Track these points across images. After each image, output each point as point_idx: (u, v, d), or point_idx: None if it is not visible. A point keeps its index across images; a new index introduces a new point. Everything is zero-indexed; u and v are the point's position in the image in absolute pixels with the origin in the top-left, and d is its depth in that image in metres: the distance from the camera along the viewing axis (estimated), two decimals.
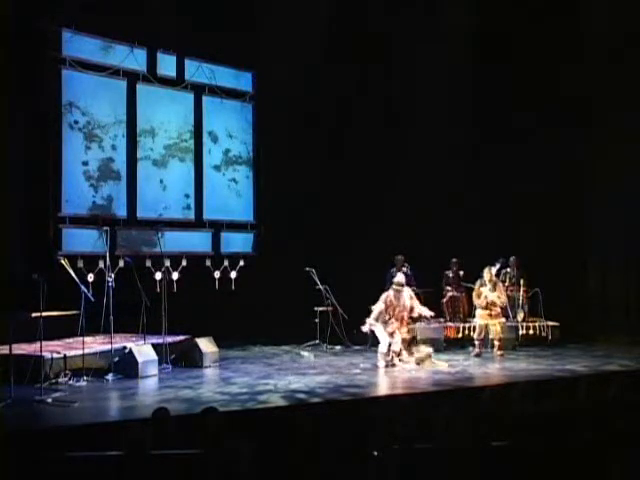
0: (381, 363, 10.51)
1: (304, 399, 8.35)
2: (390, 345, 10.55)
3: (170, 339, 10.78)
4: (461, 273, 13.56)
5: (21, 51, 11.20)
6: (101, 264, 11.49)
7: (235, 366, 10.77)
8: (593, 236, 14.07)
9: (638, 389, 8.08)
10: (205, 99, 13.96)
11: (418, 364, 10.55)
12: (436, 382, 9.44)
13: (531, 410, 6.47)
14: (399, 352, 10.63)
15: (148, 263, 12.46)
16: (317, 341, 12.68)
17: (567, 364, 10.72)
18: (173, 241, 13.09)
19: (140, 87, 13.03)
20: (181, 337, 11.15)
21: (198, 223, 13.81)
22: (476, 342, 11.69)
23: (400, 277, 11.02)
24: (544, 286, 12.90)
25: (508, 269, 13.15)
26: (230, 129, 14.37)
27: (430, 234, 13.85)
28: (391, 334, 10.64)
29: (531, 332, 12.77)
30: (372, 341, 11.53)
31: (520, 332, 12.70)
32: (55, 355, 9.35)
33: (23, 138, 11.37)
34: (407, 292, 10.91)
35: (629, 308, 13.79)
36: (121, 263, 12.04)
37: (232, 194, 14.36)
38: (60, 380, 9.21)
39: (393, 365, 10.49)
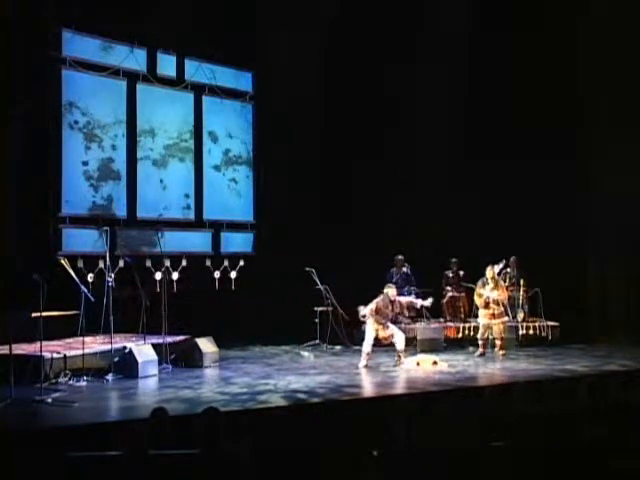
0: (362, 362, 10.53)
1: (304, 399, 8.35)
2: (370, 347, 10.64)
3: (170, 339, 10.78)
4: (461, 273, 13.57)
5: (21, 51, 11.20)
6: (101, 264, 11.49)
7: (235, 366, 10.77)
8: (593, 236, 14.07)
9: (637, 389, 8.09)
10: (205, 99, 13.96)
11: (418, 364, 10.58)
12: (436, 382, 9.45)
13: (531, 410, 6.48)
14: (402, 352, 10.71)
15: (148, 263, 12.47)
16: (317, 341, 12.70)
17: (567, 364, 10.72)
18: (173, 241, 13.09)
19: (140, 87, 13.03)
20: (181, 337, 11.16)
21: (198, 223, 13.81)
22: (480, 342, 11.69)
23: (393, 290, 11.03)
24: (544, 286, 12.90)
25: (508, 269, 13.14)
26: (230, 129, 14.37)
27: (430, 234, 13.85)
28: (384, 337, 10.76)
29: (531, 332, 12.78)
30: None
31: (520, 332, 12.71)
32: (55, 355, 9.35)
33: (23, 138, 11.37)
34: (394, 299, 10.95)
35: (629, 308, 13.80)
36: (121, 263, 12.05)
37: (232, 194, 14.36)
38: (60, 380, 9.22)
39: (400, 364, 10.57)
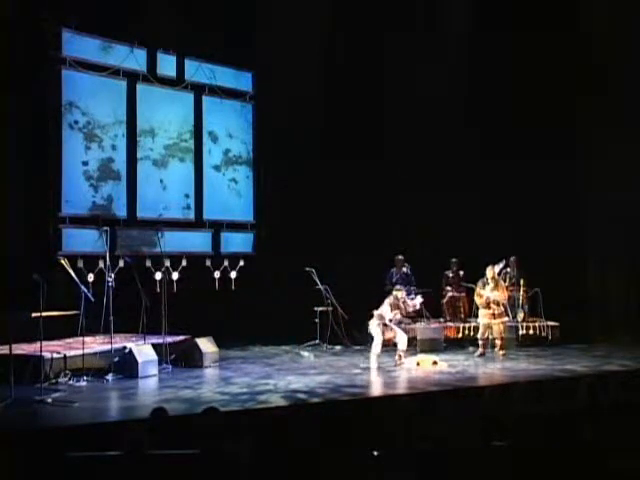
0: (374, 364, 10.52)
1: (304, 399, 8.35)
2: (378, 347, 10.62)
3: (170, 339, 10.78)
4: (461, 273, 13.58)
5: (21, 51, 11.20)
6: (101, 264, 11.50)
7: (235, 366, 10.77)
8: (593, 236, 14.07)
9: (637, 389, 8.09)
10: (205, 99, 13.95)
11: (418, 364, 10.58)
12: (436, 382, 9.45)
13: (531, 410, 6.48)
14: (404, 352, 10.72)
15: (148, 263, 12.47)
16: (317, 341, 12.70)
17: (567, 364, 10.72)
18: (173, 241, 13.08)
19: (140, 87, 13.02)
20: (181, 337, 11.16)
21: (198, 223, 13.80)
22: (480, 342, 11.69)
23: (402, 292, 11.08)
24: (544, 286, 12.90)
25: (508, 269, 13.14)
26: (230, 129, 14.36)
27: (430, 234, 13.85)
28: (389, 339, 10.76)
29: (531, 332, 12.79)
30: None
31: (520, 332, 12.71)
32: (55, 355, 9.36)
33: (23, 138, 11.36)
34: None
35: (629, 308, 13.79)
36: (121, 263, 12.05)
37: (232, 194, 14.36)
38: (60, 380, 9.22)
39: (400, 364, 10.57)
